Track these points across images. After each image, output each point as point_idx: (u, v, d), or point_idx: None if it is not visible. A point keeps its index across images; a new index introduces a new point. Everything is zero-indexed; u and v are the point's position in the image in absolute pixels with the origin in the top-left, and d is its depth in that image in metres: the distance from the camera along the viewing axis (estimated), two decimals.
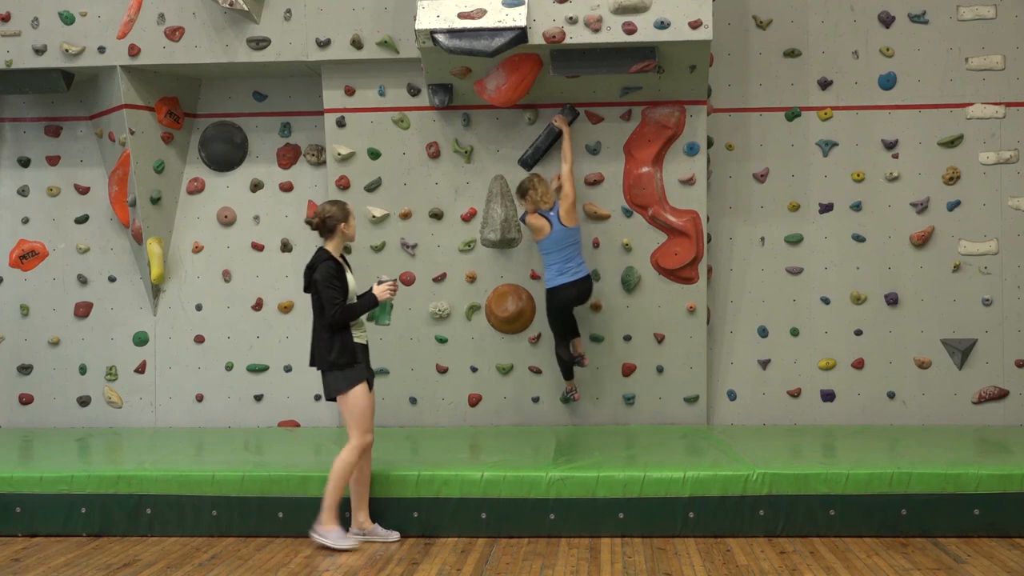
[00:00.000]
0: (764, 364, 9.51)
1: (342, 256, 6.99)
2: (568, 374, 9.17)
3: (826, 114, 9.47)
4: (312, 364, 6.90)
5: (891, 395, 9.40)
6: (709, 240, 9.45)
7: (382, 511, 7.05)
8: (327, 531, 6.78)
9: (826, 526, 6.89)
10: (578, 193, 9.14)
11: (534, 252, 9.26)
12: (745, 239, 9.55)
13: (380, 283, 6.82)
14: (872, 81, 9.44)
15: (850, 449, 8.05)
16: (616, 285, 9.36)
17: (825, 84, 9.47)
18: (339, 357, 6.73)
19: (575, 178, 8.99)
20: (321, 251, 6.90)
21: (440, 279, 9.46)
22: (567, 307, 8.90)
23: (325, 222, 6.89)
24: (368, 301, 6.80)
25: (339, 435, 9.04)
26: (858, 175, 9.45)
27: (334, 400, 6.84)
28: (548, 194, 8.82)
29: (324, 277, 6.73)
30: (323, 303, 6.72)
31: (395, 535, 6.98)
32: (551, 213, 8.77)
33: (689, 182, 9.23)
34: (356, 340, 6.82)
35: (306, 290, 6.88)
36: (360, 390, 6.75)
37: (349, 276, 6.92)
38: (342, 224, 6.89)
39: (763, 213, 9.53)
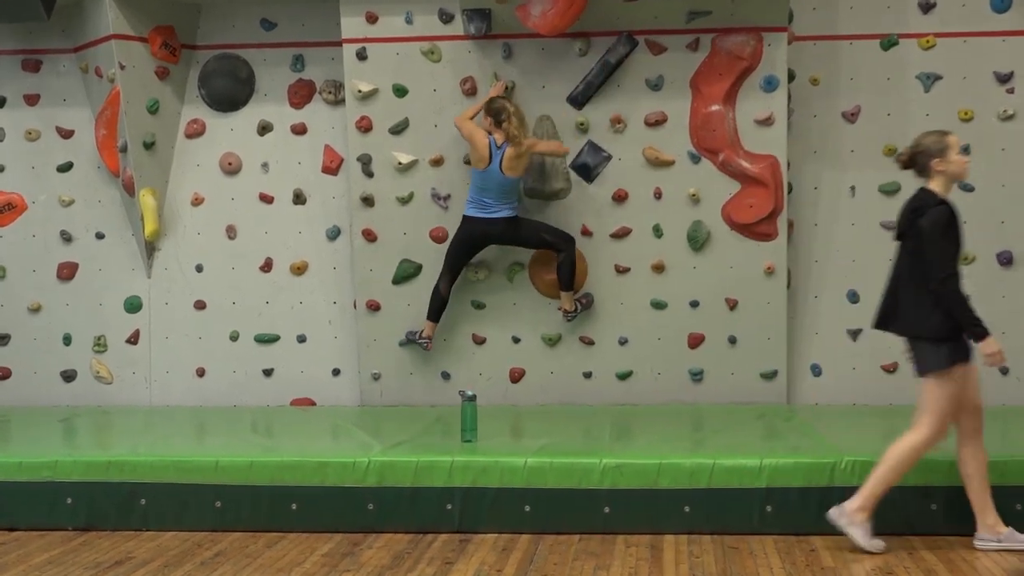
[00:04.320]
0: (854, 334, 9.44)
1: None
2: (434, 315, 9.32)
3: (928, 42, 9.34)
4: (884, 326, 6.53)
5: (1004, 371, 9.26)
6: (790, 190, 9.38)
7: (489, 503, 7.05)
8: (855, 528, 6.46)
9: (926, 522, 6.82)
10: (637, 135, 9.22)
11: (582, 205, 9.25)
12: (832, 189, 9.46)
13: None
14: (983, 2, 9.29)
15: (955, 433, 7.95)
16: (682, 242, 9.32)
17: (927, 7, 9.33)
18: (942, 327, 6.30)
19: (549, 152, 9.21)
20: (927, 193, 6.37)
21: None
22: (469, 242, 9.13)
23: (915, 159, 6.43)
24: (973, 324, 6.21)
25: (361, 415, 9.10)
26: (966, 113, 9.32)
27: (923, 375, 6.46)
28: (520, 130, 8.91)
29: (935, 227, 6.22)
30: (929, 259, 6.27)
31: None
32: (499, 150, 8.88)
33: (766, 122, 9.16)
34: None
35: (899, 237, 6.51)
36: (960, 371, 6.38)
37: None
38: (935, 160, 6.32)
39: (853, 158, 9.44)
